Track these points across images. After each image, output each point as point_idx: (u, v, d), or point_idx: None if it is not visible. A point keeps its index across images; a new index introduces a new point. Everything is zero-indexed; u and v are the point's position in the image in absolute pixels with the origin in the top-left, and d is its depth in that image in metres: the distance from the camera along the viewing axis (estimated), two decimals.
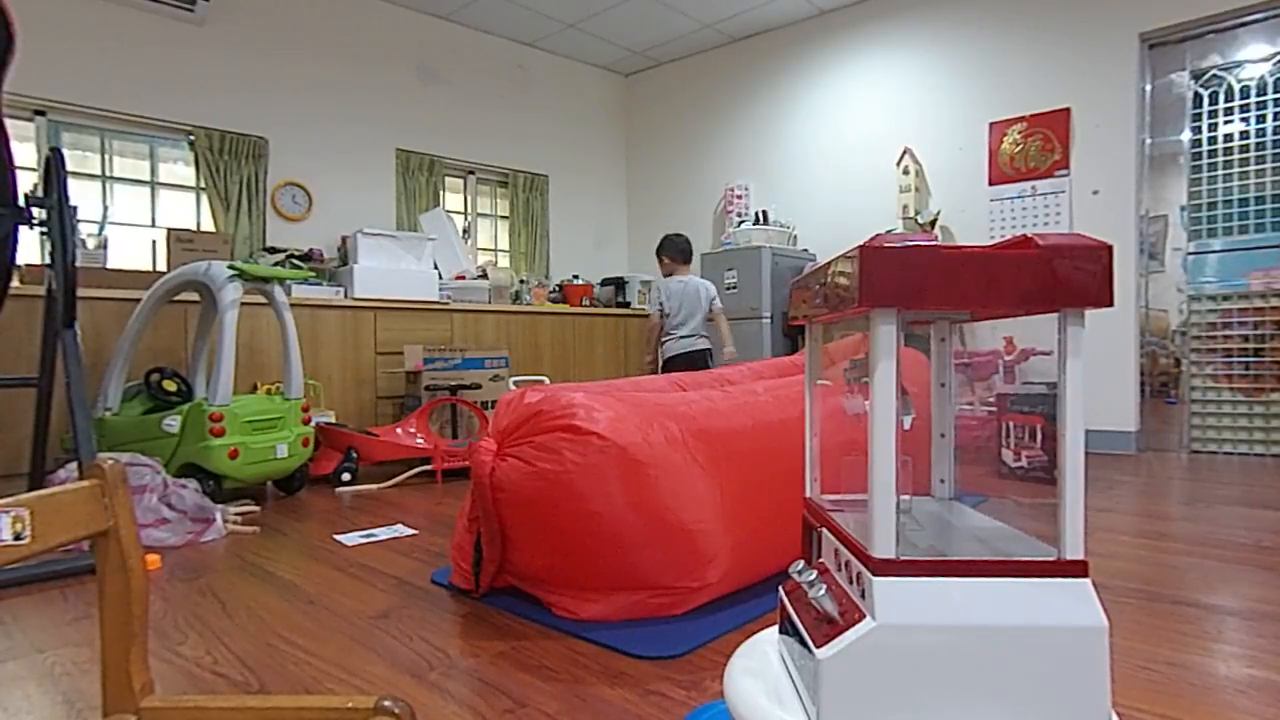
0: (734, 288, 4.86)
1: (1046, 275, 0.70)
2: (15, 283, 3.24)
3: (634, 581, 1.59)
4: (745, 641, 0.95)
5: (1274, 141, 3.74)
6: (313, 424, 3.26)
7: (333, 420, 3.93)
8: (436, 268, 4.78)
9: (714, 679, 1.32)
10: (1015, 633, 0.70)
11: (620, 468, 1.51)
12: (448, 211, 5.18)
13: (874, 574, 0.72)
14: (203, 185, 4.32)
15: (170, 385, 3.08)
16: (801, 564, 0.86)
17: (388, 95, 5.03)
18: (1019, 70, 4.36)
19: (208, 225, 4.38)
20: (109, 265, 3.65)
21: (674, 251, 4.11)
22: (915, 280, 0.70)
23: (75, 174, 3.99)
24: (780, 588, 0.93)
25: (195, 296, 3.59)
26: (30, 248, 3.81)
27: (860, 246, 0.70)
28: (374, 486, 3.29)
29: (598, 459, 1.50)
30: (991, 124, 4.45)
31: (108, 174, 4.11)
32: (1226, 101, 3.86)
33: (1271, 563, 1.99)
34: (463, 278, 4.88)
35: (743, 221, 5.41)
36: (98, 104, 3.97)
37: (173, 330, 3.60)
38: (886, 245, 0.70)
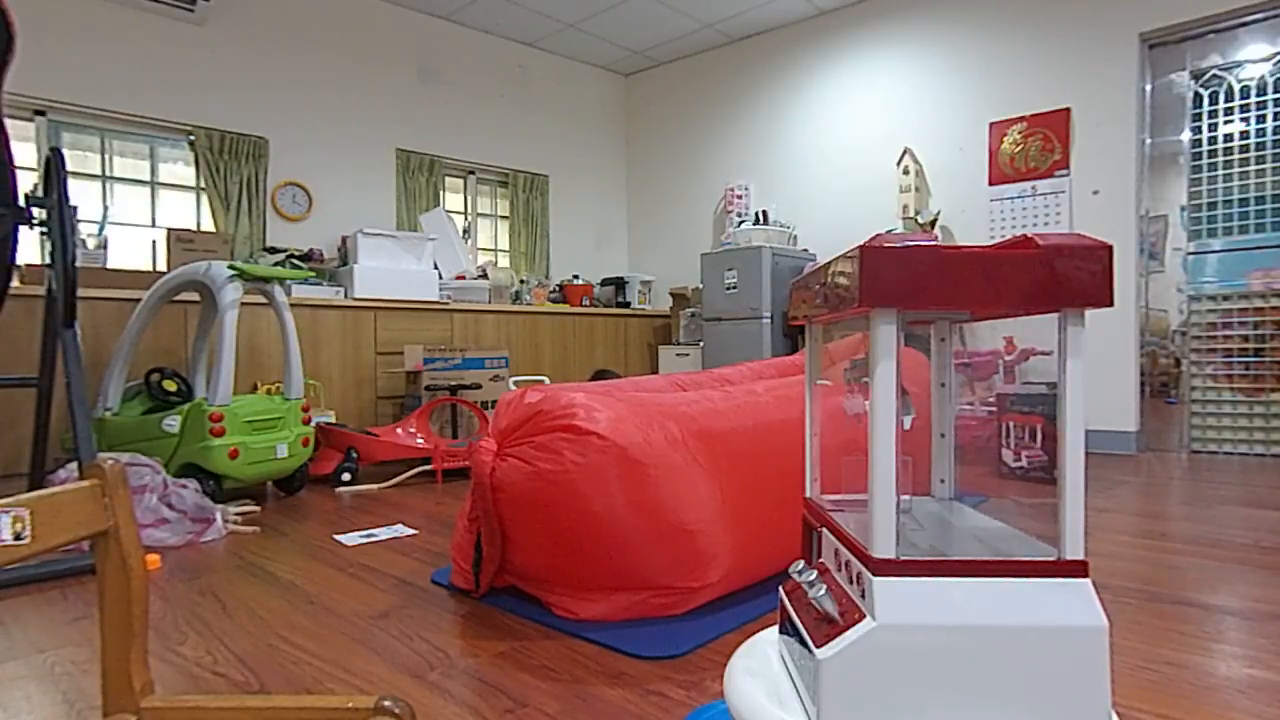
0: (734, 288, 4.86)
1: (1046, 275, 0.70)
2: (15, 283, 3.25)
3: (634, 581, 1.59)
4: (745, 641, 0.95)
5: (1274, 141, 3.74)
6: (313, 424, 3.26)
7: (333, 420, 3.93)
8: (436, 268, 4.78)
9: (714, 679, 1.32)
10: (1015, 633, 0.70)
11: (620, 468, 1.51)
12: (448, 211, 5.18)
13: (874, 574, 0.72)
14: (203, 185, 4.32)
15: (170, 385, 3.08)
16: (801, 564, 0.86)
17: (388, 95, 5.04)
18: (1019, 70, 4.37)
19: (208, 225, 4.38)
20: (109, 265, 3.65)
21: None
22: (915, 280, 0.70)
23: (75, 174, 3.99)
24: (780, 588, 0.93)
25: (195, 296, 3.59)
26: (30, 248, 3.81)
27: (860, 246, 0.70)
28: (374, 486, 3.29)
29: (598, 459, 1.50)
30: (991, 124, 4.45)
31: (108, 174, 4.11)
32: (1226, 101, 3.86)
33: (1271, 563, 1.99)
34: (463, 278, 4.88)
35: (743, 221, 5.41)
36: (98, 104, 3.97)
37: (173, 330, 3.61)
38: (886, 245, 0.70)
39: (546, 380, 4.88)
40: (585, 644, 1.50)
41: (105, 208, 4.07)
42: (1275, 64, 3.75)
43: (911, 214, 4.69)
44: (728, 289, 4.90)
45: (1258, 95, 3.78)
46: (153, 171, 4.25)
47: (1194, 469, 3.47)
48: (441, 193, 5.36)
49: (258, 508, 2.85)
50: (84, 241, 3.65)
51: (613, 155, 6.43)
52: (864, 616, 0.72)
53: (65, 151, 3.05)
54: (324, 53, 4.75)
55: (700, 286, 5.20)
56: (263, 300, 3.80)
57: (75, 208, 3.67)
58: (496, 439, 1.65)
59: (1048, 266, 0.70)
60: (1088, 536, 2.29)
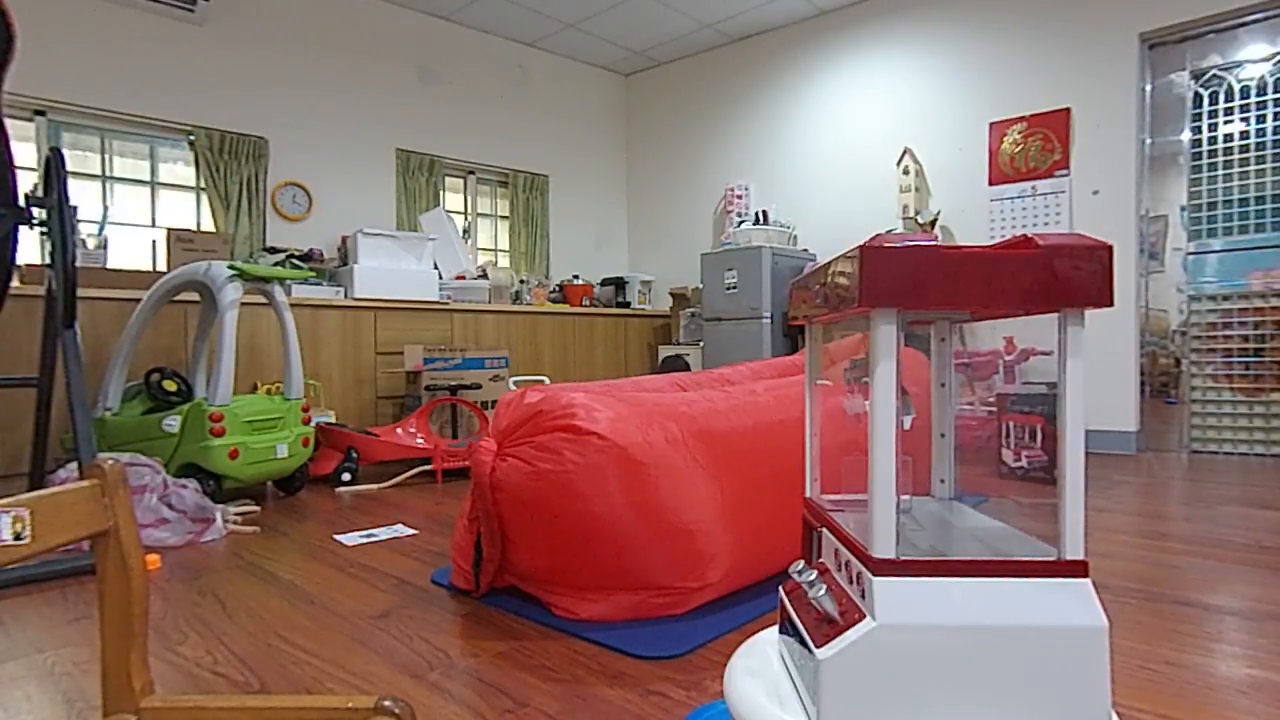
0: (734, 288, 4.86)
1: (1046, 275, 0.70)
2: (15, 283, 3.24)
3: (634, 581, 1.59)
4: (745, 641, 0.95)
5: (1274, 141, 3.74)
6: (313, 424, 3.26)
7: (333, 420, 3.93)
8: (436, 268, 4.78)
9: (714, 679, 1.32)
10: (1015, 633, 0.70)
11: (620, 468, 1.51)
12: (448, 211, 5.18)
13: (874, 574, 0.72)
14: (203, 185, 4.32)
15: (170, 385, 3.08)
16: (801, 564, 0.86)
17: (388, 95, 5.03)
18: (1019, 70, 4.36)
19: (208, 225, 4.38)
20: (109, 265, 3.65)
21: None
22: (915, 280, 0.70)
23: (75, 174, 3.99)
24: (780, 588, 0.93)
25: (195, 296, 3.59)
26: (30, 248, 3.81)
27: (860, 246, 0.70)
28: (374, 486, 3.29)
29: (598, 459, 1.50)
30: (991, 124, 4.45)
31: (108, 174, 4.11)
32: (1226, 101, 3.86)
33: (1271, 563, 1.99)
34: (463, 278, 4.88)
35: (743, 221, 5.41)
36: (98, 104, 3.97)
37: (173, 330, 3.60)
38: (886, 245, 0.70)
39: (546, 380, 4.88)
40: (585, 644, 1.50)
41: (105, 208, 4.07)
42: (1275, 64, 3.74)
43: (911, 214, 4.69)
44: (728, 289, 4.90)
45: (1258, 95, 3.78)
46: (153, 171, 4.25)
47: (1194, 469, 3.47)
48: (441, 193, 5.35)
49: (258, 508, 2.85)
50: (84, 241, 3.65)
51: (613, 155, 6.42)
52: (864, 616, 0.72)
53: (65, 151, 3.05)
54: (324, 53, 4.75)
55: (700, 286, 5.20)
56: (263, 300, 3.80)
57: (75, 208, 3.67)
58: (496, 439, 1.65)
59: (1048, 266, 0.70)
60: (1088, 536, 2.29)
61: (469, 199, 5.63)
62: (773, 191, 5.53)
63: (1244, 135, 3.82)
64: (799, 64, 5.36)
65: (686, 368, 5.14)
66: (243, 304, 3.69)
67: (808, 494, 0.98)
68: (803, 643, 0.78)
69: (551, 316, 5.12)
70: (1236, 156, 3.84)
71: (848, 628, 0.72)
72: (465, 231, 5.60)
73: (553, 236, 5.99)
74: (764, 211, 5.22)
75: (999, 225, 4.41)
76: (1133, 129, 4.01)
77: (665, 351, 5.51)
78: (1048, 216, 4.25)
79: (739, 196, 5.60)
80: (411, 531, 2.48)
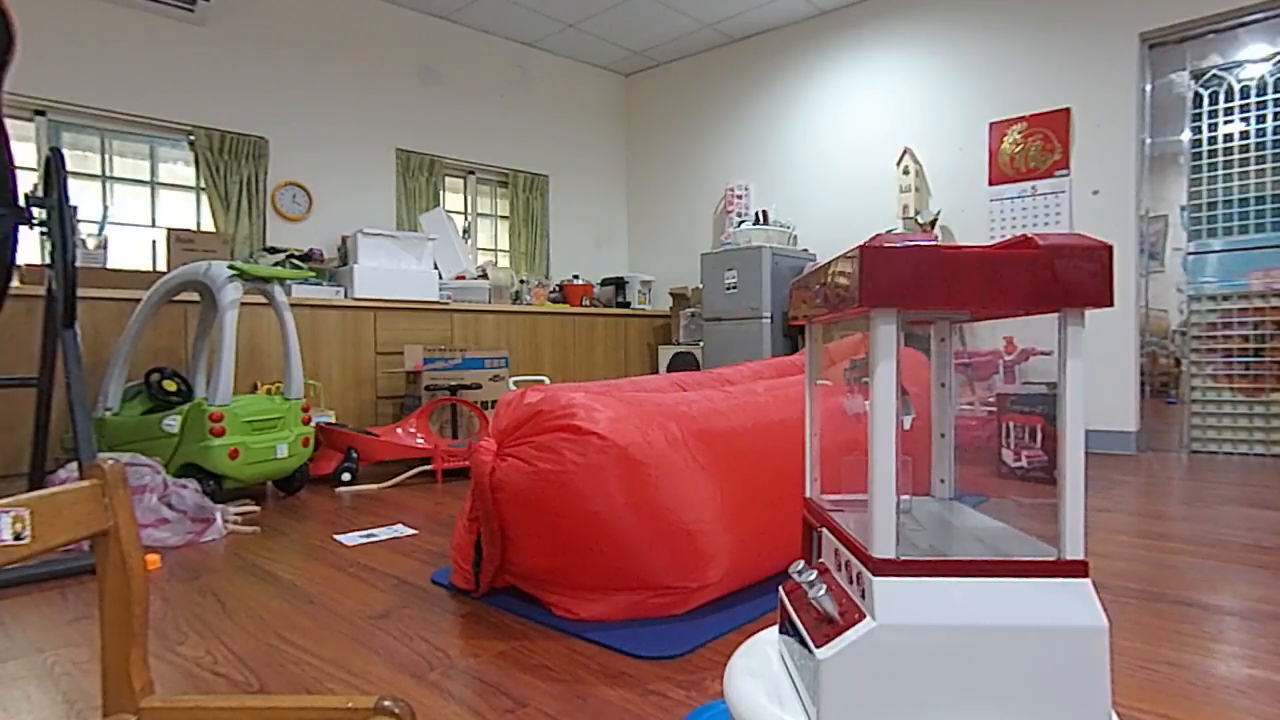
0: (734, 288, 4.86)
1: (1047, 275, 0.70)
2: (15, 283, 3.25)
3: (634, 581, 1.59)
4: (745, 641, 0.95)
5: (1274, 141, 3.74)
6: (313, 424, 3.26)
7: (333, 420, 3.93)
8: (436, 268, 4.78)
9: (714, 679, 1.32)
10: (1015, 633, 0.70)
11: (620, 468, 1.51)
12: (448, 211, 5.18)
13: (874, 574, 0.72)
14: (203, 185, 4.32)
15: (170, 385, 3.08)
16: (801, 564, 0.86)
17: (388, 95, 5.03)
18: (1019, 70, 4.36)
19: (208, 225, 4.38)
20: (109, 265, 3.65)
21: None
22: (915, 280, 0.70)
23: (75, 174, 3.99)
24: (780, 588, 0.93)
25: (195, 296, 3.59)
26: (30, 248, 3.81)
27: (860, 246, 0.70)
28: (374, 486, 3.29)
29: (598, 459, 1.50)
30: (991, 124, 4.45)
31: (108, 174, 4.11)
32: (1226, 101, 3.86)
33: (1271, 563, 1.99)
34: (463, 278, 4.88)
35: (743, 221, 5.41)
36: (98, 104, 3.97)
37: (173, 330, 3.60)
38: (886, 245, 0.70)
39: (546, 380, 4.88)
40: (585, 644, 1.50)
41: (105, 208, 4.07)
42: (1275, 64, 3.74)
43: (911, 214, 4.69)
44: (728, 289, 4.90)
45: (1258, 95, 3.78)
46: (153, 171, 4.25)
47: (1194, 469, 3.47)
48: (441, 193, 5.35)
49: (258, 508, 2.85)
50: (84, 241, 3.65)
51: (613, 155, 6.42)
52: (864, 616, 0.72)
53: (65, 151, 3.05)
54: (324, 53, 4.75)
55: (700, 286, 5.20)
56: (263, 300, 3.80)
57: (75, 208, 3.67)
58: (496, 439, 1.65)
59: (1048, 266, 0.70)
60: (1088, 536, 2.29)
61: (469, 199, 5.63)
62: (773, 191, 5.53)
63: (1244, 135, 3.81)
64: (799, 64, 5.36)
65: (696, 365, 5.14)
66: (243, 304, 3.69)
67: (808, 494, 0.98)
68: (803, 643, 0.78)
69: (551, 316, 5.12)
70: (1236, 156, 3.84)
71: (848, 628, 0.72)
72: (465, 231, 5.60)
73: (553, 236, 5.99)
74: (764, 211, 5.22)
75: (999, 225, 4.42)
76: (1133, 129, 4.01)
77: (665, 351, 5.51)
78: (1048, 216, 4.25)
79: (739, 196, 5.60)
80: (411, 531, 2.48)
